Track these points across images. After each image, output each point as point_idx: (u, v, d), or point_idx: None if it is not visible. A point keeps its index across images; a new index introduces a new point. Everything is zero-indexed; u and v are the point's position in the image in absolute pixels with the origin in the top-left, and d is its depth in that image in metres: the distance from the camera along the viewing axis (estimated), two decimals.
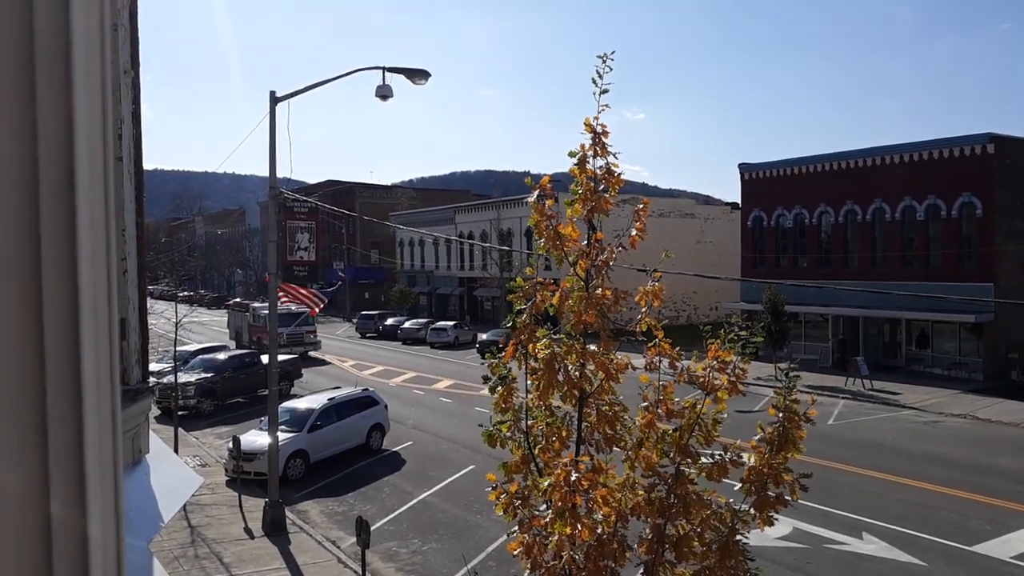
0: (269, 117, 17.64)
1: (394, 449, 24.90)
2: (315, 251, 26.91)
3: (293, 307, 48.29)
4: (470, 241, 60.78)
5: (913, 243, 37.48)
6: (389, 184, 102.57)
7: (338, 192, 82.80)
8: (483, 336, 47.75)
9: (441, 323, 55.30)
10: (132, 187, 6.33)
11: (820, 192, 41.19)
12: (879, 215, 38.77)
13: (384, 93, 17.03)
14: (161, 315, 29.83)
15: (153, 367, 31.64)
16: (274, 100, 17.66)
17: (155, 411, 28.75)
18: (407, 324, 57.05)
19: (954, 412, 29.01)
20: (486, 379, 6.06)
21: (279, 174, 18.40)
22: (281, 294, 22.00)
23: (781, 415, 5.61)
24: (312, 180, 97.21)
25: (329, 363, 45.06)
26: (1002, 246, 34.40)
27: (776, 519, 5.64)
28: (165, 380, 29.46)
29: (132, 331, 6.26)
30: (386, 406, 25.71)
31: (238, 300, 41.74)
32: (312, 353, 46.54)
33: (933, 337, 37.36)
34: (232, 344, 47.49)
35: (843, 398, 31.78)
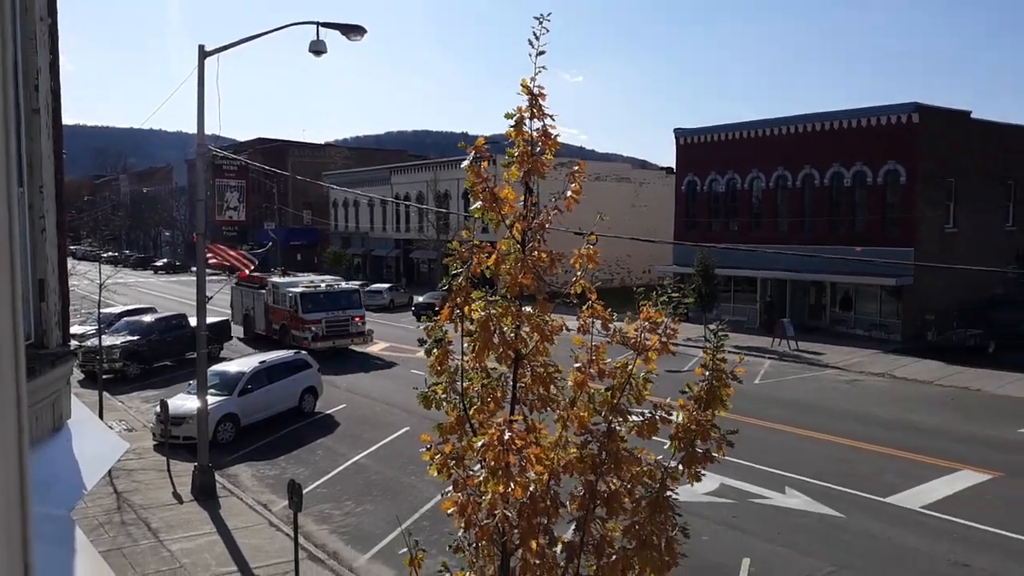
0: (198, 72, 17.03)
1: (327, 412, 24.77)
2: (245, 211, 26.28)
3: (342, 282, 39.39)
4: (406, 203, 60.17)
5: (840, 208, 38.55)
6: (322, 143, 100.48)
7: (269, 150, 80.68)
8: (419, 299, 47.56)
9: (376, 285, 54.80)
10: (50, 141, 6.06)
11: (752, 158, 41.92)
12: (808, 181, 39.71)
13: (318, 48, 16.59)
14: (84, 276, 28.81)
15: (76, 330, 30.52)
16: (203, 54, 17.05)
17: (79, 375, 27.91)
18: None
19: (874, 371, 30.23)
20: (422, 342, 6.03)
21: (208, 131, 17.84)
22: (209, 255, 21.46)
23: (708, 373, 5.74)
24: (243, 138, 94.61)
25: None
26: (923, 213, 35.67)
27: (704, 475, 5.79)
28: (89, 343, 28.60)
29: (51, 293, 6.03)
30: (319, 369, 25.51)
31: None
32: (359, 348, 35.56)
33: (856, 300, 38.71)
34: (240, 329, 38.30)
35: (769, 358, 32.76)
